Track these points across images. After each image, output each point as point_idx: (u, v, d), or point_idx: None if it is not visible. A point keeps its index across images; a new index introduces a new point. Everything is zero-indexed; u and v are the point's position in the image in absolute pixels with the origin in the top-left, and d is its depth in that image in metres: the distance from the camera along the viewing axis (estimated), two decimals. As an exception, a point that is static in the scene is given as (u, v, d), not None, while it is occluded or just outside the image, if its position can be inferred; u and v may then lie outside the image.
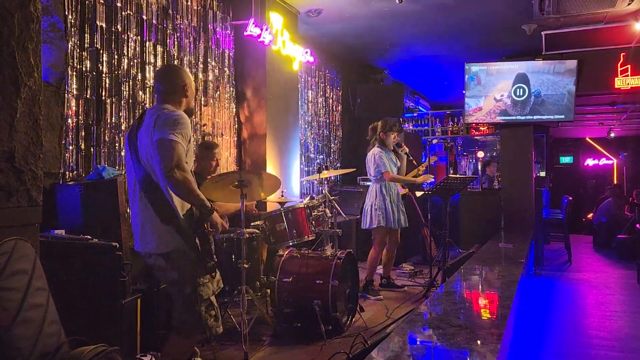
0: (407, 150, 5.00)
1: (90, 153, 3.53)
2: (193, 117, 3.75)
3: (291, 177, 5.68)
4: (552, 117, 6.72)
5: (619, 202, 9.49)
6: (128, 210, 3.79)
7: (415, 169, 5.39)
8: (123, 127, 3.80)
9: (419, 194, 6.39)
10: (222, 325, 2.50)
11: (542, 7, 5.16)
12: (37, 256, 1.94)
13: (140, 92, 4.00)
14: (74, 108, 3.40)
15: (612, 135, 12.07)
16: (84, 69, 3.48)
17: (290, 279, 3.63)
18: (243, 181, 3.13)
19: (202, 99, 4.79)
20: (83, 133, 3.47)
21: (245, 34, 4.89)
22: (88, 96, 3.52)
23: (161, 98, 2.46)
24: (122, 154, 3.78)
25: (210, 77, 4.91)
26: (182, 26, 4.50)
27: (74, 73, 3.41)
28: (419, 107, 10.17)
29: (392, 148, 4.91)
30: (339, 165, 7.74)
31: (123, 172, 3.42)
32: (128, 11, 3.88)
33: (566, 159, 14.97)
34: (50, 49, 3.11)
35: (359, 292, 4.72)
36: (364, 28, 6.36)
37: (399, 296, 4.75)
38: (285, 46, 5.35)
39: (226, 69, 5.17)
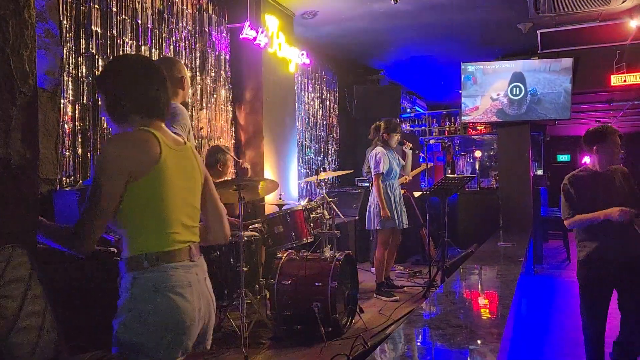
0: (410, 145, 5.06)
1: (87, 158, 3.52)
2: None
3: (289, 179, 5.68)
4: (549, 115, 6.73)
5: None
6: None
7: (416, 170, 5.44)
8: (120, 132, 3.79)
9: (417, 194, 6.39)
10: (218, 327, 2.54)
11: (537, 5, 5.18)
12: (35, 263, 1.93)
13: (137, 97, 3.99)
14: (70, 114, 3.40)
15: (609, 132, 12.07)
16: (79, 74, 3.48)
17: (290, 282, 3.63)
18: (241, 185, 3.14)
19: (199, 102, 4.79)
20: (79, 138, 3.47)
21: (241, 36, 4.89)
22: (84, 101, 3.51)
23: None
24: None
25: (207, 81, 4.91)
26: (177, 30, 4.49)
27: (70, 78, 3.40)
28: (416, 107, 10.17)
29: (396, 147, 4.97)
30: (337, 166, 7.74)
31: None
32: (123, 16, 3.87)
33: (563, 157, 14.99)
34: (45, 55, 3.10)
35: (375, 293, 4.75)
36: (360, 29, 6.37)
37: (399, 297, 4.74)
38: (281, 48, 5.35)
39: (222, 72, 5.16)
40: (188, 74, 2.65)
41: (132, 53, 2.98)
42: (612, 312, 3.48)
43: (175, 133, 2.23)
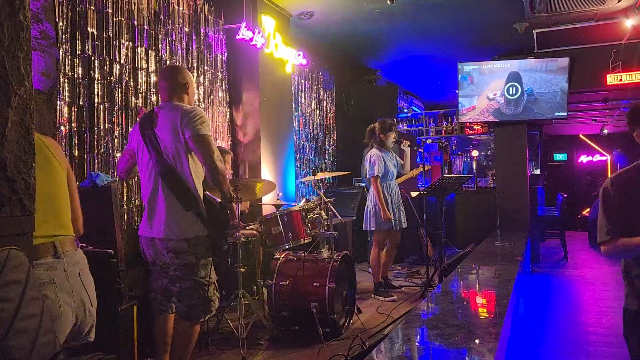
0: (408, 143, 5.03)
1: (83, 160, 3.51)
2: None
3: (286, 180, 5.67)
4: (545, 114, 6.75)
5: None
6: (125, 218, 3.79)
7: (411, 172, 5.42)
8: (116, 133, 3.79)
9: (414, 194, 6.40)
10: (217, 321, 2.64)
11: (533, 5, 5.19)
12: (31, 265, 1.93)
13: (133, 98, 3.99)
14: (66, 115, 3.39)
15: (605, 131, 12.10)
16: (75, 75, 3.47)
17: (287, 282, 3.63)
18: (238, 185, 3.15)
19: (196, 103, 4.78)
20: (76, 140, 3.46)
21: (237, 37, 4.89)
22: (80, 103, 3.51)
23: (167, 95, 2.67)
24: (116, 160, 3.77)
25: (203, 82, 4.90)
26: (173, 31, 4.49)
27: (66, 80, 3.39)
28: (413, 107, 10.19)
29: (392, 147, 4.94)
30: (334, 166, 7.74)
31: (117, 179, 3.41)
32: (119, 17, 3.87)
33: (560, 156, 15.02)
34: (41, 57, 3.09)
35: (372, 293, 4.75)
36: (356, 29, 6.37)
37: (397, 297, 4.74)
38: (278, 49, 5.35)
39: (219, 73, 5.16)
40: (193, 81, 2.76)
41: None
42: (616, 309, 3.47)
43: (208, 135, 2.47)
